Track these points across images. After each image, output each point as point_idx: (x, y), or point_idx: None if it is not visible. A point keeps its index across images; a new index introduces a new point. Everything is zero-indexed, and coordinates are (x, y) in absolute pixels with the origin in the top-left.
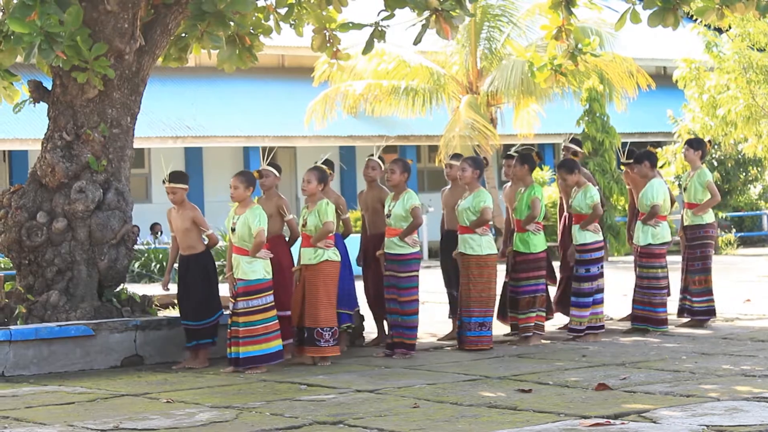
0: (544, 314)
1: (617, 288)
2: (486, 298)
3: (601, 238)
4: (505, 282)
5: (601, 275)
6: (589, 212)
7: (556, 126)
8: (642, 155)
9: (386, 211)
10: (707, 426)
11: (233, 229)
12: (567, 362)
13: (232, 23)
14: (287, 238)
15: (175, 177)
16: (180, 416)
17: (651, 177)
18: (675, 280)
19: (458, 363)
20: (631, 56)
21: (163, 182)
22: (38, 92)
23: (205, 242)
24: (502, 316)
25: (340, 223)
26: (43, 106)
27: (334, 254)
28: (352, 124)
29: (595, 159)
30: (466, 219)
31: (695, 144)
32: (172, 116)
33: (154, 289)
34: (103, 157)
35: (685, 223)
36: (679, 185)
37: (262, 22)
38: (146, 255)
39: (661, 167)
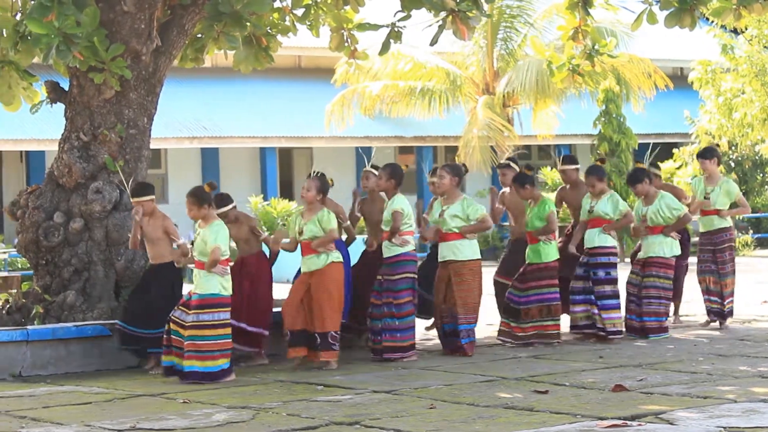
0: (558, 322)
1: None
2: (474, 304)
3: (616, 243)
4: (497, 281)
5: (617, 280)
6: (614, 218)
7: (573, 127)
8: (636, 173)
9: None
10: (724, 428)
11: (193, 243)
12: (584, 363)
13: (248, 24)
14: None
15: (137, 191)
16: (197, 416)
17: (652, 190)
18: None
19: (475, 364)
20: (647, 57)
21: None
22: (55, 93)
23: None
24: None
25: (342, 230)
26: (60, 107)
27: (337, 257)
28: (369, 125)
29: (611, 160)
30: (453, 226)
31: (708, 154)
32: (189, 117)
33: None
34: (119, 158)
35: (706, 229)
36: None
37: (278, 22)
38: None
39: (678, 168)
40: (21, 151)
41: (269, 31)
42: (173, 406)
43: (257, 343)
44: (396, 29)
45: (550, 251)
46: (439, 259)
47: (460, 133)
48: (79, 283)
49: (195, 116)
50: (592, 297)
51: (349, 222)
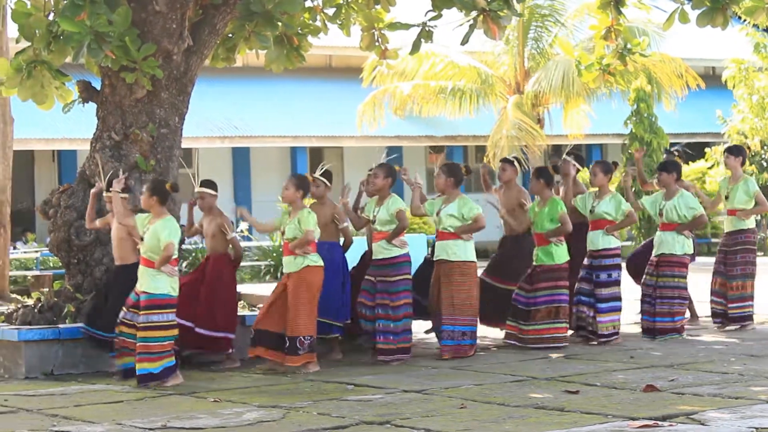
0: (566, 324)
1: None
2: (470, 306)
3: (620, 244)
4: (482, 280)
5: (620, 282)
6: (615, 218)
7: (604, 126)
8: (667, 164)
9: (371, 216)
10: (756, 428)
11: (142, 239)
12: (615, 363)
13: (279, 23)
14: (232, 257)
15: (117, 187)
16: (227, 415)
17: (675, 187)
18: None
19: (505, 364)
20: (679, 56)
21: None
22: (87, 92)
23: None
24: (492, 322)
25: (339, 233)
26: (91, 106)
27: (315, 260)
28: (399, 124)
29: (642, 160)
30: (449, 226)
31: (735, 151)
32: (220, 116)
33: None
34: (151, 157)
35: (729, 229)
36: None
37: (309, 22)
38: (194, 254)
39: (710, 168)
40: (53, 151)
41: (300, 31)
42: (204, 404)
43: (223, 347)
44: (427, 29)
45: (561, 253)
46: (434, 258)
47: (489, 132)
48: None
49: (226, 116)
50: (592, 300)
51: (346, 224)
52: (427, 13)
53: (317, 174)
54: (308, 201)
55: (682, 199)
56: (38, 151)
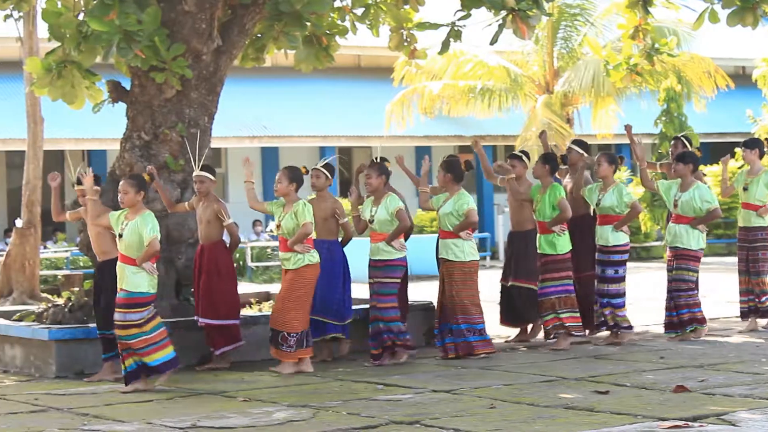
0: (577, 314)
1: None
2: (473, 304)
3: (629, 239)
4: (503, 285)
5: (625, 278)
6: (621, 212)
7: (634, 126)
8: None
9: (368, 217)
10: None
11: (121, 236)
12: (644, 363)
13: (308, 23)
14: (227, 244)
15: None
16: (257, 415)
17: (691, 178)
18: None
19: (534, 364)
20: (709, 56)
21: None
22: (117, 92)
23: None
24: (507, 321)
25: (339, 228)
26: (121, 106)
27: (313, 257)
28: (428, 124)
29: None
30: (448, 224)
31: (751, 144)
32: (249, 116)
33: None
34: (180, 157)
35: (744, 224)
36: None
37: (338, 22)
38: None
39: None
40: (83, 151)
41: (328, 32)
42: (234, 404)
43: (230, 337)
44: (456, 28)
45: (563, 242)
46: (438, 257)
47: (518, 132)
48: None
49: (255, 115)
50: (605, 299)
51: (347, 219)
52: (456, 12)
53: (319, 165)
54: (310, 198)
55: (697, 191)
56: (68, 151)
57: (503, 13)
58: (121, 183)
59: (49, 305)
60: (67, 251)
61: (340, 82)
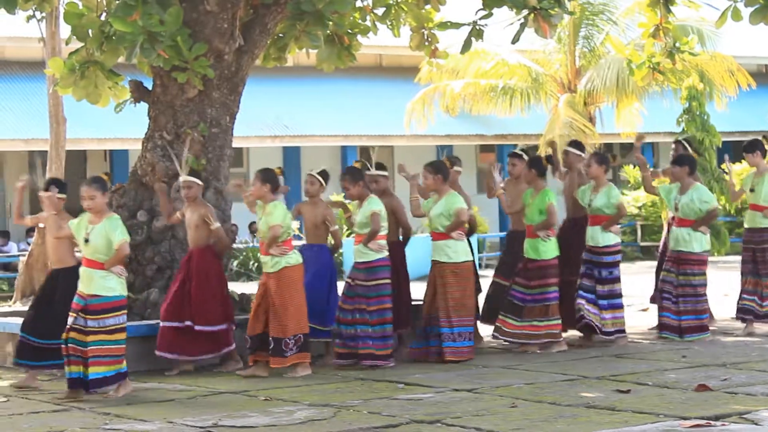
0: (560, 322)
1: (719, 288)
2: (465, 306)
3: (620, 240)
4: (495, 282)
5: (620, 279)
6: (612, 213)
7: (656, 125)
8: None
9: (354, 219)
10: None
11: (87, 240)
12: (666, 362)
13: (330, 23)
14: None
15: (55, 186)
16: (278, 414)
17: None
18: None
19: (556, 363)
20: (731, 54)
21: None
22: (139, 92)
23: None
24: (487, 319)
25: (329, 235)
26: (143, 106)
27: (292, 259)
28: (450, 123)
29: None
30: (439, 225)
31: (750, 147)
32: (271, 116)
33: (252, 288)
34: (202, 157)
35: (750, 225)
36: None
37: (360, 22)
38: (245, 254)
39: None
40: (105, 150)
41: (350, 31)
42: (255, 403)
43: (223, 342)
44: (478, 27)
45: (549, 249)
46: (431, 259)
47: (541, 131)
48: (162, 281)
49: (277, 115)
50: (594, 296)
51: (337, 227)
52: (477, 11)
53: (314, 172)
54: (313, 200)
55: (696, 193)
56: (90, 150)
57: (525, 12)
58: (84, 188)
59: None
60: None
61: (362, 81)
